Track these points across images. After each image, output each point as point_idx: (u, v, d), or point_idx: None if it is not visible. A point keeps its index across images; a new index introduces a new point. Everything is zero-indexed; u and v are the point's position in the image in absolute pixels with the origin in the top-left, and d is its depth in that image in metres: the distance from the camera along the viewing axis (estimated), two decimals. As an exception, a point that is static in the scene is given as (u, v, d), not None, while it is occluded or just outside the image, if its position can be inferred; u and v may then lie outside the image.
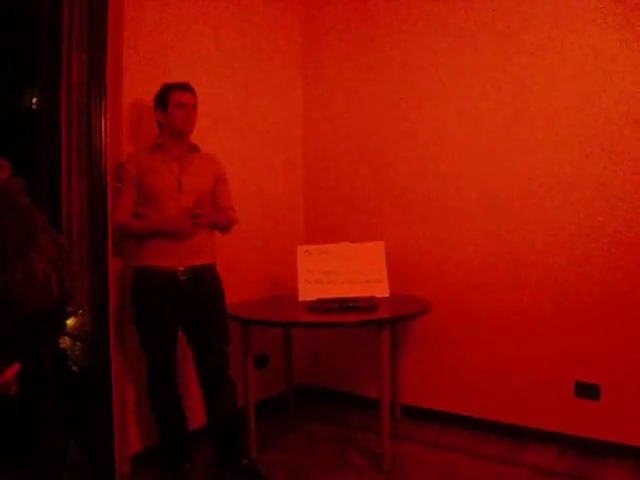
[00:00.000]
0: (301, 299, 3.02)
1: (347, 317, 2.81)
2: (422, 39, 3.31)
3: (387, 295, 3.02)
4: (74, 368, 2.51)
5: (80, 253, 2.50)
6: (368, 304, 2.89)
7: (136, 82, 2.72)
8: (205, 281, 2.58)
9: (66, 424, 2.50)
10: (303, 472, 2.76)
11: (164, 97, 2.53)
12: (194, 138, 2.65)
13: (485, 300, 3.16)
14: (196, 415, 2.88)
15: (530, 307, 3.03)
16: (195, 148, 2.65)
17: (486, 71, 3.11)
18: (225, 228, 2.74)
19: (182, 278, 2.50)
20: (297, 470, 2.78)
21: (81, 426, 2.53)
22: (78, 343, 2.49)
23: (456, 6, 3.18)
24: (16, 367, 0.63)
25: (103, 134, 2.51)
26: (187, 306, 2.53)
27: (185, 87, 2.55)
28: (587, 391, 2.87)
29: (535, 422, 3.02)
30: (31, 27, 2.63)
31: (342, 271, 3.09)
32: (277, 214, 3.64)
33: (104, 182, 2.53)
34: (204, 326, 2.58)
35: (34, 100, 2.99)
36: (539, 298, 3.01)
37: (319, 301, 2.95)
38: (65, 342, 2.51)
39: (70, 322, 2.43)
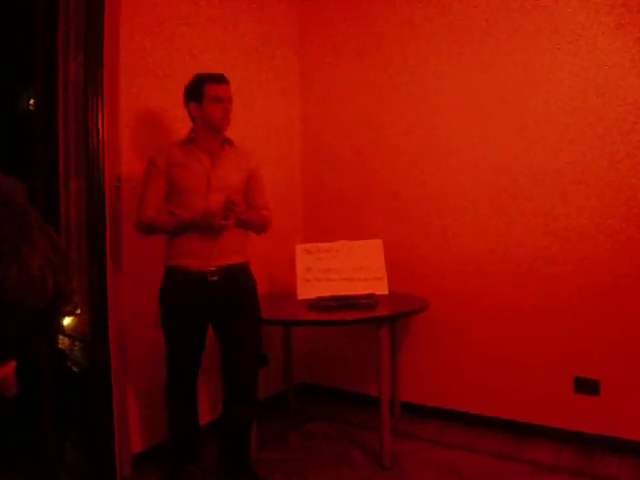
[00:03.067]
0: (300, 297, 3.02)
1: (346, 315, 2.81)
2: (421, 35, 3.30)
3: (386, 293, 3.02)
4: (73, 368, 2.51)
5: (78, 252, 2.51)
6: (367, 302, 2.89)
7: (133, 82, 2.71)
8: (236, 281, 2.46)
9: (64, 424, 2.50)
10: (303, 470, 2.76)
11: (198, 89, 2.38)
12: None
13: (484, 297, 3.16)
14: (202, 411, 2.86)
15: (529, 303, 3.03)
16: (229, 142, 2.52)
17: (486, 67, 3.11)
18: (259, 228, 2.62)
19: (212, 279, 2.39)
20: (297, 468, 2.78)
21: (80, 426, 2.53)
22: (77, 343, 2.49)
23: (458, 1, 3.18)
24: (12, 365, 0.63)
25: (100, 134, 2.50)
26: (217, 308, 2.43)
27: (222, 79, 2.40)
28: (587, 387, 2.87)
29: (535, 418, 3.02)
30: (28, 28, 2.62)
31: (341, 269, 3.09)
32: (275, 213, 3.62)
33: (101, 181, 2.52)
34: (235, 333, 2.48)
35: (31, 101, 2.99)
36: (538, 294, 3.01)
37: (318, 299, 2.95)
38: (64, 343, 2.51)
39: (69, 322, 2.43)
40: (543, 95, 2.95)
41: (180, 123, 2.95)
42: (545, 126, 2.95)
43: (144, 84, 2.76)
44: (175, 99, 2.91)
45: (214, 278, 2.40)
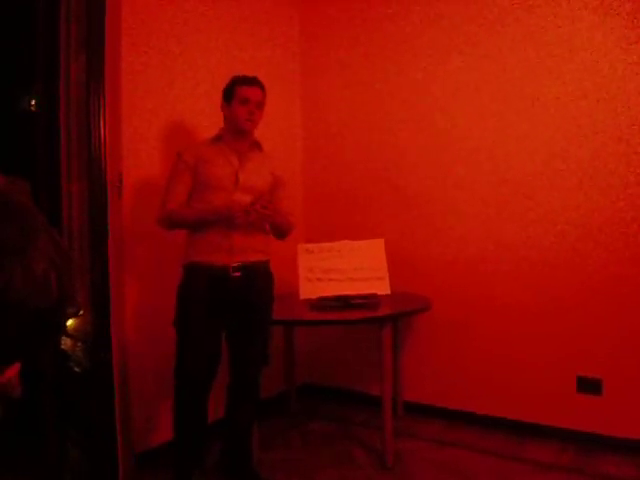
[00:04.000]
0: (302, 297, 3.02)
1: (349, 314, 2.82)
2: (425, 34, 3.30)
3: (388, 292, 3.01)
4: (76, 369, 2.51)
5: (81, 253, 2.51)
6: (369, 301, 2.89)
7: (135, 82, 2.71)
8: (257, 279, 2.47)
9: (66, 425, 2.50)
10: (306, 470, 2.76)
11: (231, 90, 2.44)
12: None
13: (486, 296, 3.16)
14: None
15: (532, 303, 3.03)
16: (258, 145, 2.55)
17: (490, 66, 3.10)
18: (282, 233, 2.60)
19: (234, 274, 2.38)
20: (299, 468, 2.78)
21: (82, 427, 2.53)
22: (79, 344, 2.49)
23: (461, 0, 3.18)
24: (16, 367, 0.63)
25: (102, 134, 2.50)
26: (235, 304, 2.42)
27: (252, 82, 2.44)
28: (589, 386, 2.87)
29: (537, 417, 3.02)
30: (28, 28, 2.62)
31: (343, 269, 3.08)
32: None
33: (104, 182, 2.52)
34: (247, 331, 2.47)
35: (33, 101, 2.98)
36: (541, 294, 3.01)
37: (320, 299, 2.94)
38: (66, 343, 2.51)
39: (71, 323, 2.43)
40: (553, 97, 2.93)
41: (181, 122, 2.96)
42: (553, 128, 2.94)
43: (146, 84, 2.76)
44: (176, 99, 2.92)
45: (236, 274, 2.39)
